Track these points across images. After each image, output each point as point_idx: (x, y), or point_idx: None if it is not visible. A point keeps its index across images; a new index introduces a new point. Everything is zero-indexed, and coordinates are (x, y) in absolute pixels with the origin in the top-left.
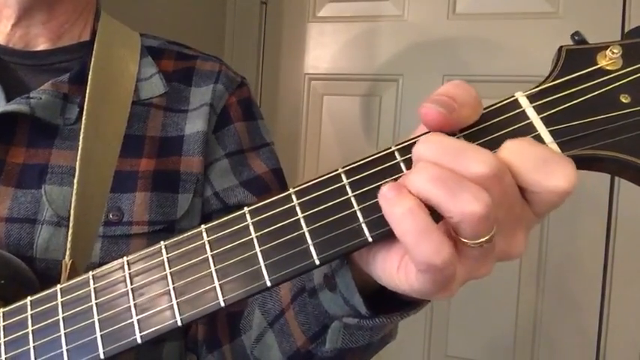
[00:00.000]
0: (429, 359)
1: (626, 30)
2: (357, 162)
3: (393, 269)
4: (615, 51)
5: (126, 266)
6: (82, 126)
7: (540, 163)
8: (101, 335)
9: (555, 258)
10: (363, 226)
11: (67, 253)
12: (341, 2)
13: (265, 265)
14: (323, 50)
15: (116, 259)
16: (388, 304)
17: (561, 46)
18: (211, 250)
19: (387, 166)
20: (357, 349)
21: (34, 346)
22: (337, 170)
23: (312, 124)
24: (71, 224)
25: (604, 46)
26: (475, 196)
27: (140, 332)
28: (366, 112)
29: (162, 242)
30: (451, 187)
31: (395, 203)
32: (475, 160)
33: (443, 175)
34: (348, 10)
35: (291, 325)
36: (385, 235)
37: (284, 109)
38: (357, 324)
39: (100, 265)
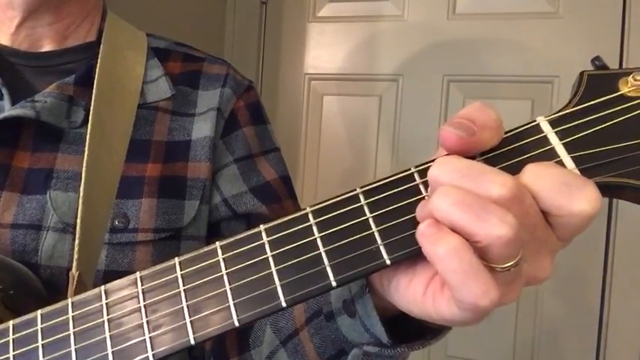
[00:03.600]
0: (428, 359)
1: (626, 31)
2: (375, 182)
3: (418, 296)
4: (638, 77)
5: (139, 282)
6: (88, 130)
7: (563, 186)
8: (112, 352)
9: (555, 259)
10: (381, 248)
11: (75, 263)
12: (341, 2)
13: (281, 285)
14: (323, 50)
15: (121, 266)
16: (406, 326)
17: (582, 71)
18: (226, 269)
19: (406, 187)
20: None
21: None
22: (355, 190)
23: (312, 124)
24: (78, 232)
25: (626, 72)
26: (502, 219)
27: (152, 350)
28: (366, 112)
29: (176, 258)
30: (476, 210)
31: (436, 241)
32: (493, 182)
33: (467, 198)
34: (348, 10)
35: (306, 347)
36: (404, 259)
37: (284, 109)
38: (377, 352)
39: (106, 272)
